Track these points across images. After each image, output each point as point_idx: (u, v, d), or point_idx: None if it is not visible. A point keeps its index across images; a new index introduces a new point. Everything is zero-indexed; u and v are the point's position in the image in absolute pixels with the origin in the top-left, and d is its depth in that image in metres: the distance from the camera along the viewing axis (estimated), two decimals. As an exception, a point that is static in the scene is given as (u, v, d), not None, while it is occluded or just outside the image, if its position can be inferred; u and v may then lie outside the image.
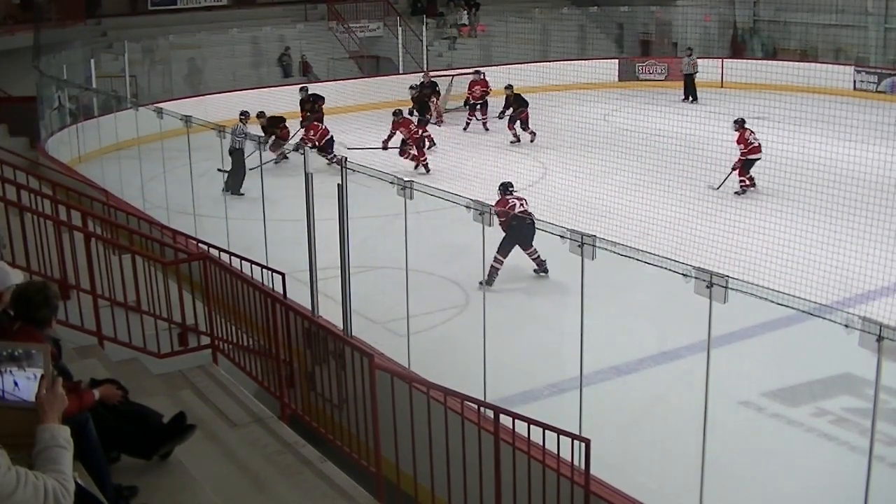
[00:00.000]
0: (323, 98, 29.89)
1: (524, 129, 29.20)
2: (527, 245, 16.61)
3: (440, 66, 38.30)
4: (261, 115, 25.43)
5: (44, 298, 6.75)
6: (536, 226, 13.72)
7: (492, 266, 16.01)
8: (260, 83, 35.82)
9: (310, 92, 30.36)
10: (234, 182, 22.53)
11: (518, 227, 16.07)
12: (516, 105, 29.33)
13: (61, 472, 4.47)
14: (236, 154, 22.61)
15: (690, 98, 35.85)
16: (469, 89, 32.92)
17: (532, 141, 28.81)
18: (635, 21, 43.58)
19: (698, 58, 36.97)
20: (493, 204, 15.32)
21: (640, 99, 34.54)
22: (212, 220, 19.34)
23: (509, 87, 29.97)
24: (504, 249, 16.34)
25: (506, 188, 17.56)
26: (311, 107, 29.48)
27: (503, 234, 16.04)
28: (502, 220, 15.41)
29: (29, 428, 4.58)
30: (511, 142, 28.97)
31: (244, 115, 24.52)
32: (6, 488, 4.25)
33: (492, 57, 39.99)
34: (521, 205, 16.90)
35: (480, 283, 14.63)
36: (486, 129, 31.60)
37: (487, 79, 32.59)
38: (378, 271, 15.88)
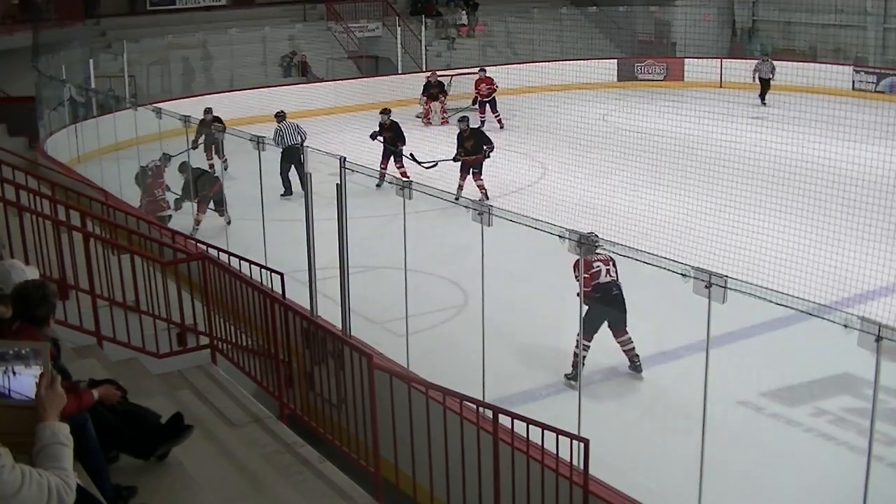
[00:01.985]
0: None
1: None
2: (619, 327, 13.25)
3: (439, 65, 38.29)
4: (279, 114, 25.38)
5: (42, 296, 6.77)
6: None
7: (575, 353, 12.80)
8: (259, 83, 35.79)
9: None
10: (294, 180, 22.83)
11: (606, 300, 13.09)
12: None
13: (63, 469, 4.49)
14: (289, 151, 22.52)
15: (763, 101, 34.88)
16: (475, 87, 32.82)
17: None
18: (634, 21, 43.59)
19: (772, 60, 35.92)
20: (572, 266, 12.68)
21: (639, 99, 34.55)
22: (210, 220, 19.34)
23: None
24: (589, 329, 12.83)
25: (589, 245, 12.10)
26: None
27: (586, 308, 12.85)
28: (586, 289, 12.63)
29: (29, 426, 4.59)
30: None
31: (280, 114, 25.06)
32: (11, 486, 4.26)
33: (490, 57, 39.97)
34: (609, 271, 13.20)
35: (567, 376, 13.02)
36: (502, 127, 31.59)
37: (490, 76, 32.55)
38: (377, 271, 15.87)
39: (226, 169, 22.74)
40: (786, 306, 7.92)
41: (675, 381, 12.82)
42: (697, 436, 8.79)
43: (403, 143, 24.41)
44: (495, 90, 32.35)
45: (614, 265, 13.17)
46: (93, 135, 25.39)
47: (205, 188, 19.97)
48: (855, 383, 12.62)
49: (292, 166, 22.46)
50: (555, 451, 8.66)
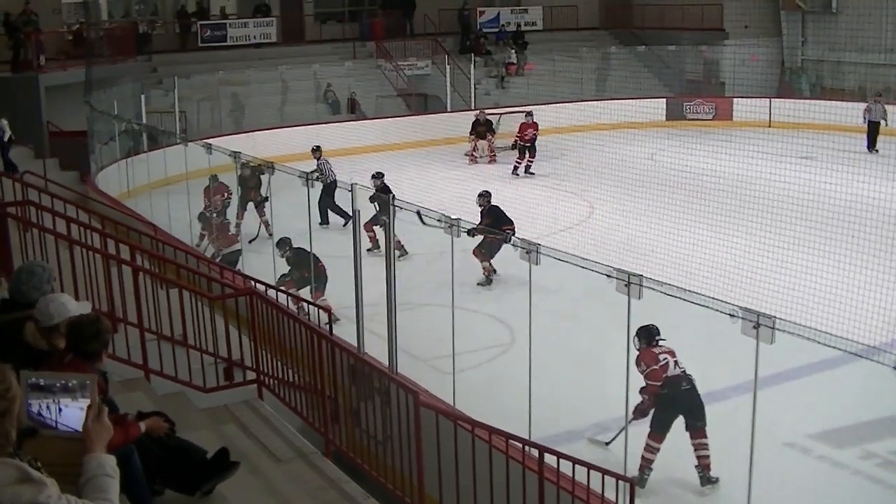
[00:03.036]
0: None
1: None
2: (696, 427, 11.75)
3: (488, 104, 38.31)
4: (316, 149, 25.54)
5: (95, 331, 6.80)
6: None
7: (643, 457, 11.70)
8: (308, 120, 35.94)
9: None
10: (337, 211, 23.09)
11: (676, 395, 11.76)
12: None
13: (109, 501, 4.50)
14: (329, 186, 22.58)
15: (872, 148, 32.91)
16: (519, 131, 32.19)
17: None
18: (682, 60, 43.52)
19: (885, 103, 33.82)
20: (636, 357, 11.76)
21: (688, 138, 34.51)
22: (258, 256, 19.44)
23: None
24: (659, 429, 11.77)
25: (650, 336, 12.13)
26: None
27: (655, 407, 11.96)
28: (656, 383, 11.80)
29: (76, 457, 4.62)
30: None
31: (317, 149, 25.29)
32: (58, 517, 4.28)
33: (539, 96, 40.00)
34: (677, 363, 11.97)
35: (634, 481, 10.54)
36: (531, 174, 31.33)
37: (537, 120, 32.34)
38: (423, 309, 15.89)
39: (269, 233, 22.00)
40: (834, 347, 7.88)
41: (722, 421, 12.73)
42: (744, 477, 8.74)
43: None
44: (536, 136, 32.04)
45: (675, 358, 12.00)
46: (143, 169, 25.64)
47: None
48: (904, 426, 12.51)
49: (331, 200, 22.93)
50: (600, 492, 8.62)
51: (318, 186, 21.62)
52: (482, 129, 33.26)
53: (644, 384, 11.71)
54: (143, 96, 31.23)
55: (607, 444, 12.36)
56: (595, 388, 13.65)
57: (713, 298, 8.84)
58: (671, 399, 11.69)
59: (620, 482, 8.77)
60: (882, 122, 33.22)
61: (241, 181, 21.91)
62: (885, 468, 11.83)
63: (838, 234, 19.20)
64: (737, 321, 8.34)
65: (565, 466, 8.95)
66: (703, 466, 11.66)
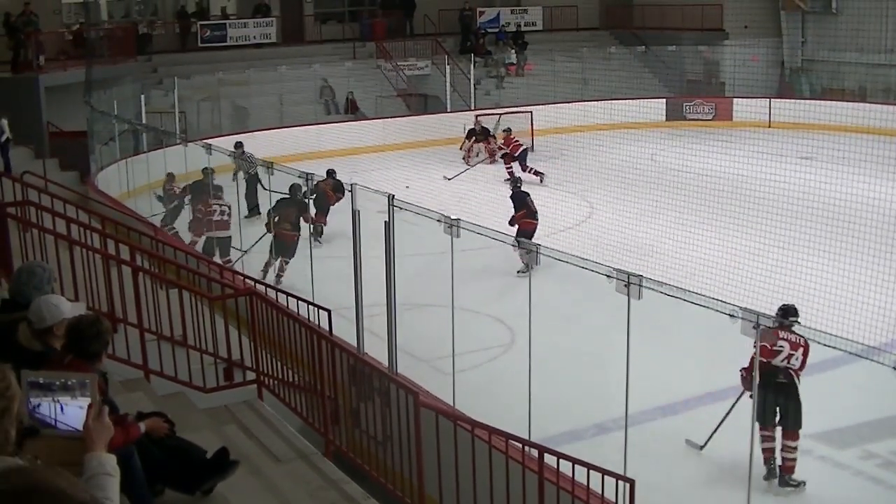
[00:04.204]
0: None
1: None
2: (786, 423, 11.61)
3: (487, 104, 38.38)
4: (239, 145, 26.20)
5: (96, 332, 6.80)
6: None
7: (763, 449, 11.50)
8: (308, 120, 35.94)
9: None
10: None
11: (767, 384, 11.09)
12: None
13: (109, 500, 4.49)
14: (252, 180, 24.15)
15: None
16: (506, 144, 31.83)
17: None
18: (683, 60, 43.50)
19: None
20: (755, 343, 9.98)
21: (688, 138, 34.49)
22: (259, 256, 19.44)
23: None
24: (761, 420, 11.21)
25: (783, 316, 11.55)
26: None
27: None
28: (748, 367, 10.99)
29: (77, 456, 4.62)
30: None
31: (240, 144, 25.72)
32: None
33: (539, 96, 39.99)
34: (791, 357, 11.49)
35: (765, 478, 11.40)
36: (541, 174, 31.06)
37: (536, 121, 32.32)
38: (424, 309, 15.88)
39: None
40: (834, 347, 7.88)
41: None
42: (744, 477, 8.74)
43: None
44: (521, 146, 31.53)
45: (805, 353, 11.44)
46: (143, 169, 25.62)
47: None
48: (905, 427, 12.51)
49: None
50: (600, 492, 8.62)
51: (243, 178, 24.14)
52: (479, 137, 33.22)
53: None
54: (142, 96, 31.22)
55: (701, 447, 12.29)
56: (595, 388, 13.64)
57: (713, 298, 8.84)
58: (763, 388, 10.92)
59: (620, 482, 8.75)
60: None
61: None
62: (886, 468, 11.83)
63: (838, 234, 19.20)
64: (737, 321, 8.34)
65: (565, 467, 8.95)
66: (786, 467, 11.50)
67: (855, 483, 11.65)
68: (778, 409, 11.46)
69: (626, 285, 9.46)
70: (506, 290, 16.40)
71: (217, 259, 18.78)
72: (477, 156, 33.30)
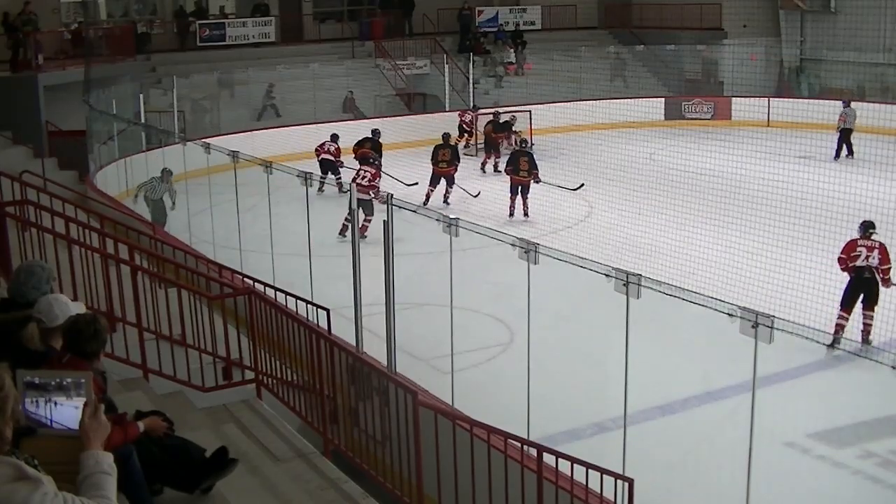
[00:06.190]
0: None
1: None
2: (867, 303, 15.42)
3: (486, 103, 38.35)
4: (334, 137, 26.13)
5: (94, 331, 6.80)
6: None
7: (837, 324, 14.94)
8: (307, 119, 35.89)
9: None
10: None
11: (857, 280, 15.43)
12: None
13: (106, 498, 4.49)
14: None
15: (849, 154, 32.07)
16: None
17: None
18: (681, 60, 43.50)
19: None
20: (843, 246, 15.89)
21: (686, 137, 34.48)
22: (257, 255, 19.43)
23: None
24: (846, 304, 15.37)
25: (863, 230, 15.93)
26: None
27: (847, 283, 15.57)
28: (842, 267, 15.64)
29: (74, 455, 4.62)
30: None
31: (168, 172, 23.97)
32: (54, 514, 4.27)
33: (538, 95, 39.98)
34: (869, 257, 15.52)
35: (828, 346, 13.69)
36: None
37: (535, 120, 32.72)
38: (422, 308, 15.88)
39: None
40: (834, 347, 7.88)
41: (721, 421, 12.74)
42: (743, 477, 8.73)
43: None
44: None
45: (882, 252, 15.46)
46: (142, 169, 25.60)
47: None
48: (903, 426, 12.52)
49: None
50: (599, 491, 8.61)
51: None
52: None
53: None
54: (141, 96, 31.19)
55: None
56: (594, 387, 13.64)
57: (712, 298, 8.84)
58: (853, 282, 15.37)
59: (619, 481, 8.75)
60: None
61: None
62: (885, 468, 11.83)
63: (838, 234, 19.18)
64: (735, 321, 8.33)
65: (564, 466, 8.94)
66: (866, 331, 14.98)
67: (853, 482, 11.65)
68: (862, 294, 15.28)
69: (624, 285, 9.46)
70: (505, 289, 16.37)
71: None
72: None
